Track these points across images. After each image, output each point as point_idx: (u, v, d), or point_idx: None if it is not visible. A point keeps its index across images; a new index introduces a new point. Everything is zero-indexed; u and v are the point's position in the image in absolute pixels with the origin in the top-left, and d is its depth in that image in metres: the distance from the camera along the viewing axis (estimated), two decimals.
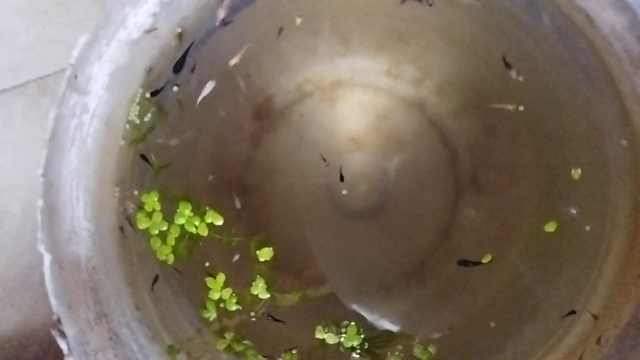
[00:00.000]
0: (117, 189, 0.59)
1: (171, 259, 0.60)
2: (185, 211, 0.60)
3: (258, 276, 0.61)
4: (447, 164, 0.64)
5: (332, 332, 0.61)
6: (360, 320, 0.62)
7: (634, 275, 0.58)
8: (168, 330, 0.60)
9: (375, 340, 0.61)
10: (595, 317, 0.59)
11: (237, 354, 0.60)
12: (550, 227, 0.61)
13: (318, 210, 0.65)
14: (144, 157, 0.60)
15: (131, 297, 0.58)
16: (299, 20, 0.62)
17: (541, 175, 0.62)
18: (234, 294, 0.61)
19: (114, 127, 0.57)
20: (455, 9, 0.62)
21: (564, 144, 0.62)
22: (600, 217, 0.61)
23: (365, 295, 0.63)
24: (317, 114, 0.65)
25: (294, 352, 0.61)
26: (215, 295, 0.60)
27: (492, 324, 0.62)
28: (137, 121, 0.60)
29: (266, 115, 0.64)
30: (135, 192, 0.60)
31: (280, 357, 0.61)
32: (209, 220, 0.61)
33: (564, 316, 0.61)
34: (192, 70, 0.61)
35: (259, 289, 0.61)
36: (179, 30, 0.60)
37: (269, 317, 0.61)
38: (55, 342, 0.48)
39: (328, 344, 0.61)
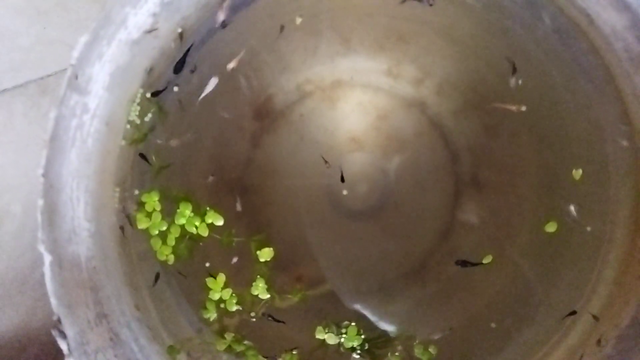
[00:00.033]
0: (118, 189, 0.59)
1: (171, 259, 0.60)
2: (185, 211, 0.60)
3: (258, 276, 0.61)
4: (448, 164, 0.64)
5: (333, 333, 0.61)
6: (361, 320, 0.62)
7: (635, 276, 0.58)
8: (168, 330, 0.60)
9: (376, 341, 0.61)
10: (595, 317, 0.59)
11: (237, 354, 0.60)
12: (551, 228, 0.61)
13: (318, 211, 0.65)
14: (142, 155, 0.60)
15: (131, 297, 0.58)
16: (299, 20, 0.62)
17: (542, 176, 0.62)
18: (234, 295, 0.61)
19: (114, 128, 0.57)
20: (456, 9, 0.62)
21: (564, 144, 0.62)
22: (601, 218, 0.61)
23: (365, 296, 0.63)
24: (318, 114, 0.65)
25: (294, 352, 0.61)
26: (216, 296, 0.60)
27: (493, 325, 0.62)
28: (138, 121, 0.60)
29: (266, 115, 0.64)
30: (136, 192, 0.60)
31: (280, 357, 0.61)
32: (210, 221, 0.61)
33: (565, 317, 0.61)
34: (193, 70, 0.61)
35: (259, 290, 0.61)
36: (180, 30, 0.59)
37: (269, 318, 0.61)
38: (55, 342, 0.48)
39: (328, 344, 0.61)
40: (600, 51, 0.59)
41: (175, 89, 0.61)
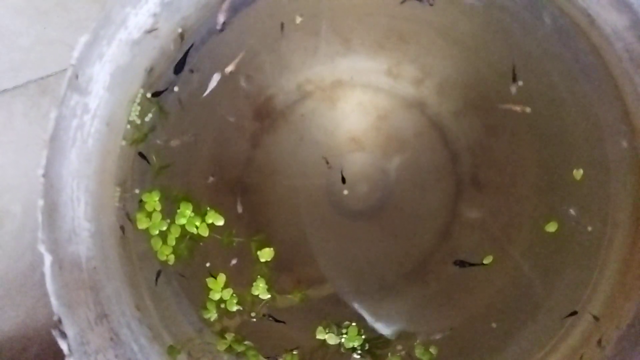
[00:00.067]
0: (118, 188, 0.59)
1: (172, 259, 0.60)
2: (186, 211, 0.60)
3: (259, 277, 0.61)
4: (448, 164, 0.64)
5: (333, 333, 0.61)
6: (361, 320, 0.62)
7: (635, 276, 0.58)
8: (168, 330, 0.60)
9: (377, 341, 0.61)
10: (596, 318, 0.59)
11: (237, 354, 0.60)
12: (552, 228, 0.61)
13: (318, 211, 0.65)
14: (142, 155, 0.60)
15: (132, 297, 0.58)
16: (299, 20, 0.62)
17: (542, 176, 0.62)
18: (234, 295, 0.61)
19: (114, 128, 0.57)
20: (456, 8, 0.62)
21: (565, 144, 0.62)
22: (602, 218, 0.61)
23: (366, 296, 0.63)
24: (318, 114, 0.65)
25: (294, 352, 0.61)
26: (216, 296, 0.60)
27: (494, 325, 0.62)
28: (138, 121, 0.60)
29: (266, 115, 0.64)
30: (137, 191, 0.60)
31: (281, 357, 0.61)
32: (210, 221, 0.61)
33: (565, 317, 0.61)
34: (193, 70, 0.61)
35: (260, 290, 0.61)
36: (180, 30, 0.59)
37: (270, 318, 0.61)
38: (55, 342, 0.48)
39: (329, 344, 0.61)
40: (601, 51, 0.59)
41: (176, 89, 0.61)
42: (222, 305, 0.61)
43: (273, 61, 0.63)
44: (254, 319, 0.61)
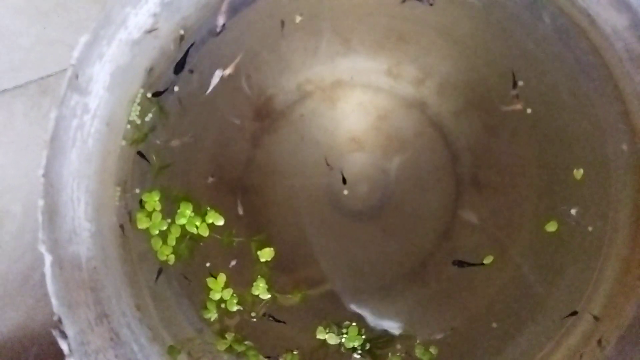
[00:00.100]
0: (118, 188, 0.59)
1: (172, 259, 0.60)
2: (186, 211, 0.60)
3: (259, 276, 0.61)
4: (448, 164, 0.64)
5: (334, 333, 0.61)
6: (362, 320, 0.62)
7: (636, 276, 0.58)
8: (169, 330, 0.60)
9: (377, 341, 0.61)
10: (596, 318, 0.59)
11: (238, 354, 0.60)
12: (552, 227, 0.61)
13: (319, 211, 0.65)
14: (141, 154, 0.60)
15: (132, 297, 0.58)
16: (298, 19, 0.62)
17: (542, 176, 0.62)
18: (234, 295, 0.61)
19: (115, 128, 0.57)
20: (456, 8, 0.62)
21: (565, 144, 0.62)
22: (602, 218, 0.61)
23: (366, 296, 0.63)
24: (318, 114, 0.65)
25: (295, 352, 0.61)
26: (216, 296, 0.60)
27: (494, 325, 0.62)
28: (138, 121, 0.60)
29: (267, 115, 0.64)
30: (137, 191, 0.60)
31: (281, 357, 0.61)
32: (210, 221, 0.61)
33: (566, 317, 0.61)
34: (193, 70, 0.61)
35: (260, 290, 0.61)
36: (180, 30, 0.59)
37: (270, 318, 0.61)
38: (55, 342, 0.48)
39: (329, 344, 0.61)
40: (601, 51, 0.59)
41: (176, 88, 0.61)
42: (223, 305, 0.61)
43: (273, 61, 0.63)
44: (254, 319, 0.61)
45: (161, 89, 0.60)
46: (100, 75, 0.54)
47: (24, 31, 0.69)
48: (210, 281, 0.61)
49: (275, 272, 0.62)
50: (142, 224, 0.59)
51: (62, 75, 0.67)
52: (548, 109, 0.62)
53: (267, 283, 0.61)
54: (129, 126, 0.59)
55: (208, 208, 0.61)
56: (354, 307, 0.63)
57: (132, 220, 0.60)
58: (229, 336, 0.61)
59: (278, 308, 0.62)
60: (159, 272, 0.60)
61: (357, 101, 0.65)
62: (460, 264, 0.62)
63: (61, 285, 0.49)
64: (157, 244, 0.60)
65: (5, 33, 0.69)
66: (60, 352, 0.48)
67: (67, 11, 0.69)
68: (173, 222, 0.60)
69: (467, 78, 0.63)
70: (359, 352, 0.61)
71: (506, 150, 0.63)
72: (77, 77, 0.51)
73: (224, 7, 0.60)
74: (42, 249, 0.48)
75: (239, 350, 0.60)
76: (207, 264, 0.61)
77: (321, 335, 0.61)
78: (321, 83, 0.64)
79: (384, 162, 0.64)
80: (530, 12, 0.61)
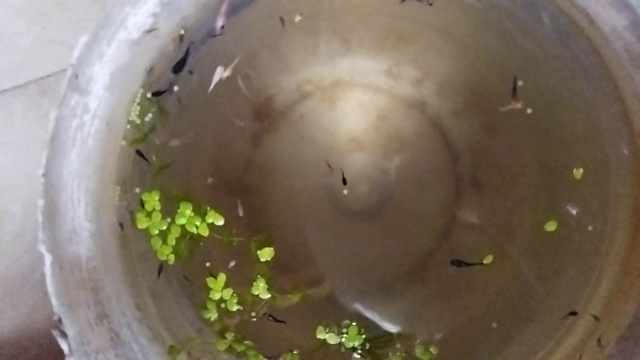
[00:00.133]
0: (118, 188, 0.59)
1: (172, 259, 0.60)
2: (186, 211, 0.60)
3: (259, 276, 0.61)
4: (448, 164, 0.64)
5: (333, 333, 0.61)
6: (362, 320, 0.62)
7: (635, 276, 0.58)
8: (169, 330, 0.60)
9: (377, 341, 0.61)
10: (596, 317, 0.59)
11: (238, 354, 0.60)
12: (551, 226, 0.61)
13: (318, 211, 0.65)
14: (139, 153, 0.60)
15: (132, 297, 0.58)
16: (298, 18, 0.62)
17: (542, 175, 0.62)
18: (234, 294, 0.61)
19: (114, 128, 0.57)
20: (456, 8, 0.62)
21: (565, 143, 0.62)
22: (602, 217, 0.61)
23: (366, 296, 0.63)
24: (318, 114, 0.65)
25: (295, 352, 0.61)
26: (216, 296, 0.60)
27: (494, 325, 0.62)
28: (138, 121, 0.60)
29: (266, 115, 0.64)
30: (137, 190, 0.60)
31: (281, 357, 0.61)
32: (210, 221, 0.61)
33: (565, 316, 0.61)
34: (192, 71, 0.61)
35: (260, 289, 0.61)
36: (180, 30, 0.60)
37: (270, 318, 0.61)
38: (55, 342, 0.48)
39: (329, 344, 0.61)
40: (600, 51, 0.59)
41: (176, 88, 0.61)
42: (222, 305, 0.61)
43: (273, 61, 0.63)
44: (254, 319, 0.61)
45: (161, 89, 0.61)
46: (100, 75, 0.54)
47: (23, 31, 0.69)
48: (210, 281, 0.61)
49: (275, 272, 0.62)
50: (142, 223, 0.59)
51: (61, 75, 0.67)
52: (548, 108, 0.62)
53: (267, 283, 0.61)
54: (128, 126, 0.59)
55: (208, 208, 0.61)
56: (353, 307, 0.63)
57: (132, 220, 0.60)
58: (229, 336, 0.61)
59: (278, 308, 0.62)
60: (160, 269, 0.60)
61: (356, 101, 0.65)
62: (458, 263, 0.62)
63: (61, 285, 0.49)
64: (157, 243, 0.60)
65: (5, 33, 0.69)
66: (60, 352, 0.48)
67: (66, 11, 0.69)
68: (173, 221, 0.60)
69: (466, 78, 0.63)
70: (359, 351, 0.61)
71: (506, 150, 0.63)
72: (77, 77, 0.51)
73: (223, 9, 0.60)
74: (42, 248, 0.48)
75: (239, 350, 0.60)
76: (207, 264, 0.61)
77: (321, 334, 0.61)
78: (321, 83, 0.64)
79: (384, 162, 0.64)
80: (529, 12, 0.61)
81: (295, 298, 0.62)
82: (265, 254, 0.61)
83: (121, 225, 0.59)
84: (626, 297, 0.58)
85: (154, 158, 0.61)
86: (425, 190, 0.64)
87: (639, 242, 0.59)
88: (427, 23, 0.63)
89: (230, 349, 0.60)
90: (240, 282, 0.61)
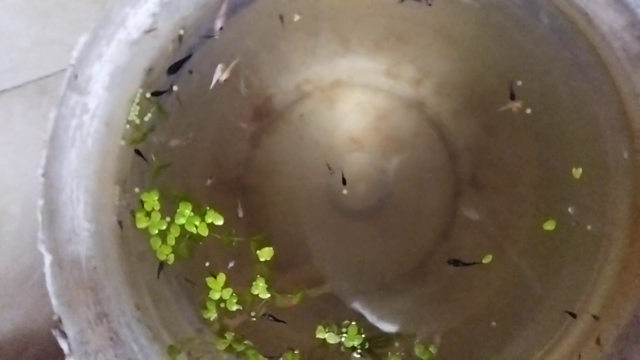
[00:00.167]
0: (118, 187, 0.59)
1: (171, 258, 0.60)
2: (185, 211, 0.60)
3: (258, 276, 0.61)
4: (447, 164, 0.64)
5: (333, 332, 0.61)
6: (361, 320, 0.62)
7: (634, 275, 0.58)
8: (168, 330, 0.60)
9: (376, 340, 0.61)
10: (595, 317, 0.59)
11: (237, 354, 0.60)
12: (550, 226, 0.61)
13: (318, 210, 0.65)
14: (138, 152, 0.60)
15: (131, 297, 0.58)
16: (297, 17, 0.62)
17: (541, 175, 0.62)
18: (234, 294, 0.61)
19: (114, 127, 0.57)
20: (454, 8, 0.62)
21: (563, 143, 0.62)
22: (601, 216, 0.61)
23: (365, 295, 0.63)
24: (317, 114, 0.65)
25: (296, 352, 0.61)
26: (216, 295, 0.60)
27: (493, 324, 0.62)
28: (137, 121, 0.60)
29: (266, 115, 0.64)
30: (136, 190, 0.60)
31: (281, 357, 0.61)
32: (209, 220, 0.61)
33: (564, 315, 0.61)
34: (192, 70, 0.61)
35: (260, 289, 0.61)
36: (179, 30, 0.60)
37: (270, 317, 0.61)
38: (55, 342, 0.48)
39: (329, 343, 0.61)
40: (599, 50, 0.60)
41: (175, 88, 0.61)
42: (222, 305, 0.61)
43: (272, 61, 0.64)
44: (254, 319, 0.61)
45: (160, 89, 0.61)
46: (100, 75, 0.54)
47: (23, 31, 0.69)
48: (209, 281, 0.61)
49: (274, 272, 0.62)
50: (141, 223, 0.59)
51: (60, 75, 0.67)
52: (546, 108, 0.62)
53: (266, 282, 0.61)
54: (128, 126, 0.59)
55: (207, 208, 0.61)
56: (353, 306, 0.63)
57: (132, 220, 0.60)
58: (229, 336, 0.61)
59: (277, 307, 0.62)
60: (160, 267, 0.60)
61: (356, 101, 0.65)
62: (456, 263, 0.62)
63: (61, 285, 0.49)
64: (156, 243, 0.60)
65: (4, 33, 0.69)
66: (60, 351, 0.48)
67: (66, 11, 0.69)
68: (172, 221, 0.60)
69: (465, 78, 0.63)
70: (359, 351, 0.61)
71: (505, 149, 0.63)
72: (76, 77, 0.51)
73: (222, 11, 0.60)
74: (42, 248, 0.48)
75: (239, 350, 0.60)
76: (207, 264, 0.61)
77: (321, 334, 0.61)
78: (320, 83, 0.64)
79: (383, 162, 0.65)
80: (528, 12, 0.61)
81: (294, 298, 0.62)
82: (265, 254, 0.61)
83: (121, 224, 0.59)
84: (625, 297, 0.58)
85: (154, 158, 0.61)
86: (425, 190, 0.65)
87: (637, 241, 0.59)
88: (426, 23, 0.63)
89: (230, 349, 0.60)
90: (239, 281, 0.61)
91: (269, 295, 0.61)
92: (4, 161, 0.69)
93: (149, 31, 0.57)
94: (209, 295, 0.60)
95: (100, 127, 0.55)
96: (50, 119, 0.49)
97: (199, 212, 0.61)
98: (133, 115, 0.59)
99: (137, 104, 0.59)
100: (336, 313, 0.62)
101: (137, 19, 0.55)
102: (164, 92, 0.61)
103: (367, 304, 0.63)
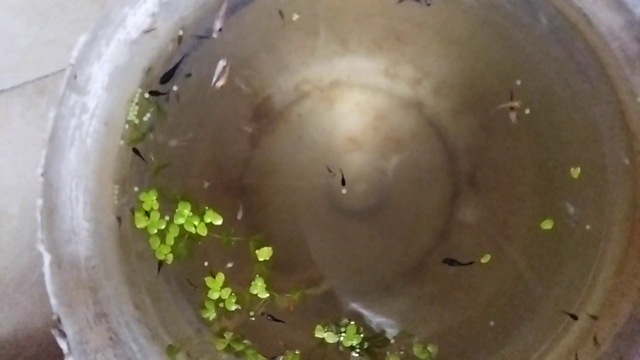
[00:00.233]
0: (117, 187, 0.59)
1: (170, 258, 0.60)
2: (184, 211, 0.60)
3: (257, 276, 0.61)
4: (446, 164, 0.64)
5: (332, 332, 0.61)
6: (360, 319, 0.62)
7: (632, 274, 0.58)
8: (167, 330, 0.60)
9: (375, 340, 0.61)
10: (593, 316, 0.60)
11: (236, 353, 0.60)
12: (547, 225, 0.61)
13: (317, 210, 0.65)
14: (136, 151, 0.60)
15: (130, 296, 0.58)
16: (295, 17, 0.62)
17: (539, 174, 0.62)
18: (233, 294, 0.61)
19: (113, 127, 0.57)
20: (453, 8, 0.62)
21: (562, 142, 0.62)
22: (599, 216, 0.61)
23: (364, 295, 0.63)
24: (316, 114, 0.65)
25: (297, 352, 0.61)
26: (215, 295, 0.60)
27: (492, 323, 0.62)
28: (136, 121, 0.60)
29: (265, 115, 0.64)
30: (136, 189, 0.60)
31: (282, 356, 0.61)
32: (208, 220, 0.61)
33: (562, 315, 0.61)
34: (191, 70, 0.61)
35: (258, 289, 0.61)
36: (178, 30, 0.60)
37: (269, 317, 0.61)
38: (54, 342, 0.48)
39: (327, 343, 0.61)
40: (597, 51, 0.60)
41: (174, 88, 0.61)
42: (221, 305, 0.61)
43: (271, 61, 0.64)
44: (253, 318, 0.61)
45: (159, 89, 0.61)
46: (99, 75, 0.54)
47: (22, 32, 0.69)
48: (208, 280, 0.61)
49: (273, 271, 0.62)
50: (140, 223, 0.59)
51: (59, 75, 0.67)
52: (545, 108, 0.62)
53: (265, 282, 0.61)
54: (127, 126, 0.59)
55: (206, 207, 0.61)
56: (352, 306, 0.63)
57: (131, 220, 0.60)
58: (228, 335, 0.61)
59: (276, 307, 0.62)
60: (160, 265, 0.60)
61: (354, 101, 0.65)
62: (451, 262, 0.62)
63: (60, 284, 0.49)
64: (155, 243, 0.60)
65: (3, 33, 0.69)
66: (59, 351, 0.48)
67: (65, 11, 0.69)
68: (171, 221, 0.60)
69: (464, 78, 0.64)
70: (357, 350, 0.61)
71: (503, 149, 0.63)
72: (75, 76, 0.51)
73: (222, 11, 0.60)
74: (41, 248, 0.48)
75: (238, 350, 0.60)
76: (206, 263, 0.61)
77: (319, 333, 0.61)
78: (319, 83, 0.64)
79: (382, 162, 0.65)
80: (526, 12, 0.61)
81: (293, 297, 0.62)
82: (264, 254, 0.61)
83: (120, 224, 0.59)
84: (622, 296, 0.58)
85: (153, 158, 0.61)
86: (424, 189, 0.65)
87: (635, 240, 0.59)
88: (425, 23, 0.63)
89: (228, 349, 0.60)
90: (238, 281, 0.61)
91: (267, 294, 0.61)
92: (3, 161, 0.69)
93: (148, 31, 0.57)
94: (208, 295, 0.60)
95: (99, 126, 0.55)
96: (50, 118, 0.49)
97: (198, 211, 0.61)
98: (132, 115, 0.59)
99: (136, 103, 0.59)
100: (335, 312, 0.62)
101: (137, 19, 0.55)
102: (164, 92, 0.61)
103: (366, 303, 0.63)
